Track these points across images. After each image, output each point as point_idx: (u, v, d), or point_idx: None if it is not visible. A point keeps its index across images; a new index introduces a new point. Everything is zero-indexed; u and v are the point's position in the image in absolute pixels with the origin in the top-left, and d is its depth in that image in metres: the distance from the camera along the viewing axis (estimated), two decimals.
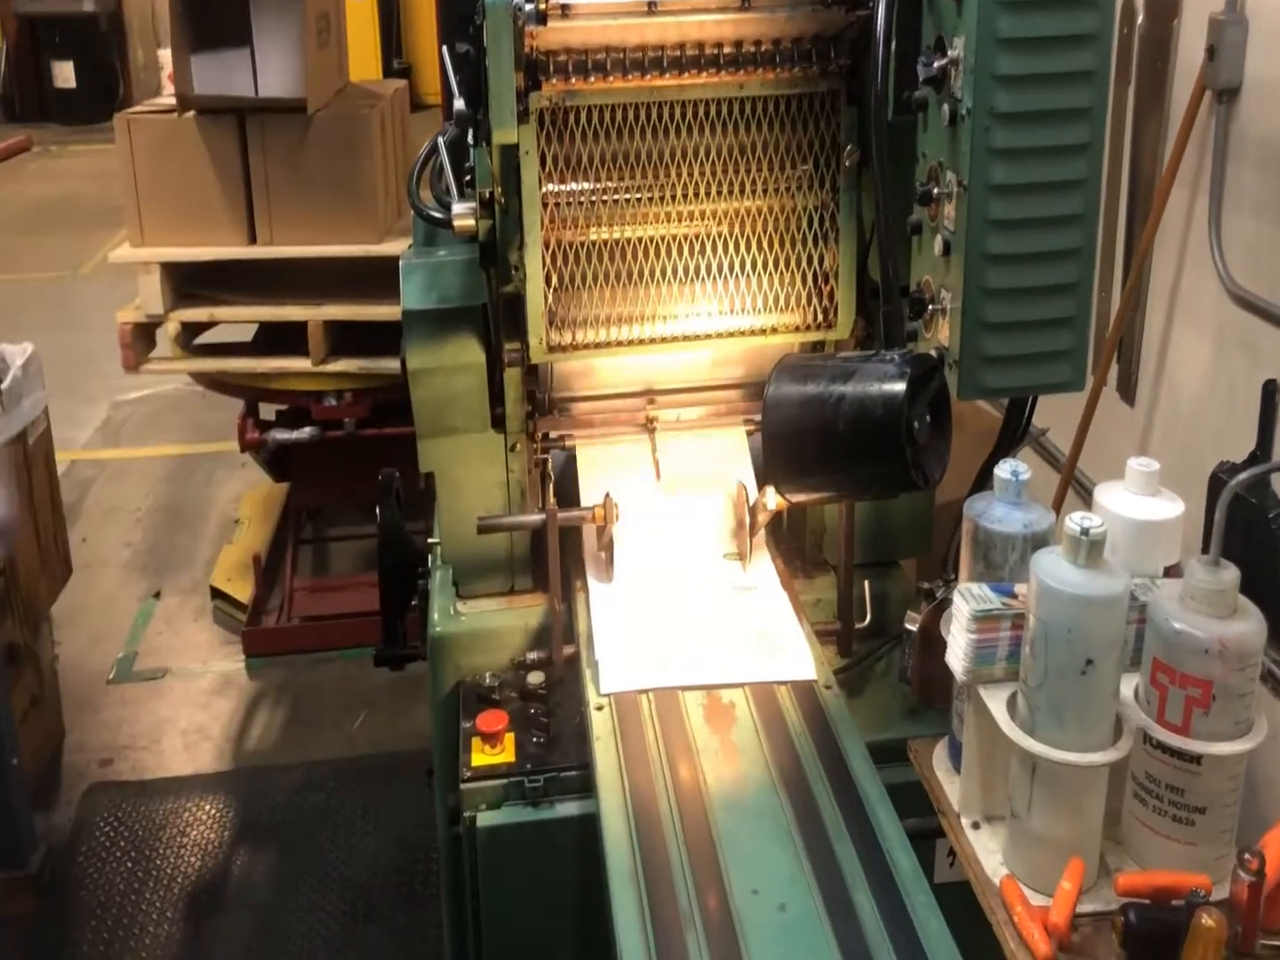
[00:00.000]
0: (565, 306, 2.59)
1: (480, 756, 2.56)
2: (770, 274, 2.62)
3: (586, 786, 2.40)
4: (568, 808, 2.49)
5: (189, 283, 5.08)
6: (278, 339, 5.11)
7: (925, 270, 2.25)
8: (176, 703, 5.13)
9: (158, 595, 5.81)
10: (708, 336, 2.67)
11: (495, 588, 2.89)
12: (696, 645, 2.47)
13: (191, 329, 5.12)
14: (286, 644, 5.36)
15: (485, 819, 2.49)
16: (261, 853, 4.36)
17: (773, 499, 2.60)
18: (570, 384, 2.87)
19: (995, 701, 1.97)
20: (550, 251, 2.54)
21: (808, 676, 2.40)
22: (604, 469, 2.90)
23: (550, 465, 2.90)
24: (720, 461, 2.91)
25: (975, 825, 2.08)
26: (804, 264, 2.61)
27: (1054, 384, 2.17)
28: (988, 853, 2.03)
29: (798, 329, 2.65)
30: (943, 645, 2.54)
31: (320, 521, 6.11)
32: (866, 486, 2.27)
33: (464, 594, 2.89)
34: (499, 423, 2.76)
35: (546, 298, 2.56)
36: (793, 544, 2.97)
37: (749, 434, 2.94)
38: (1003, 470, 2.07)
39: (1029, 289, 2.11)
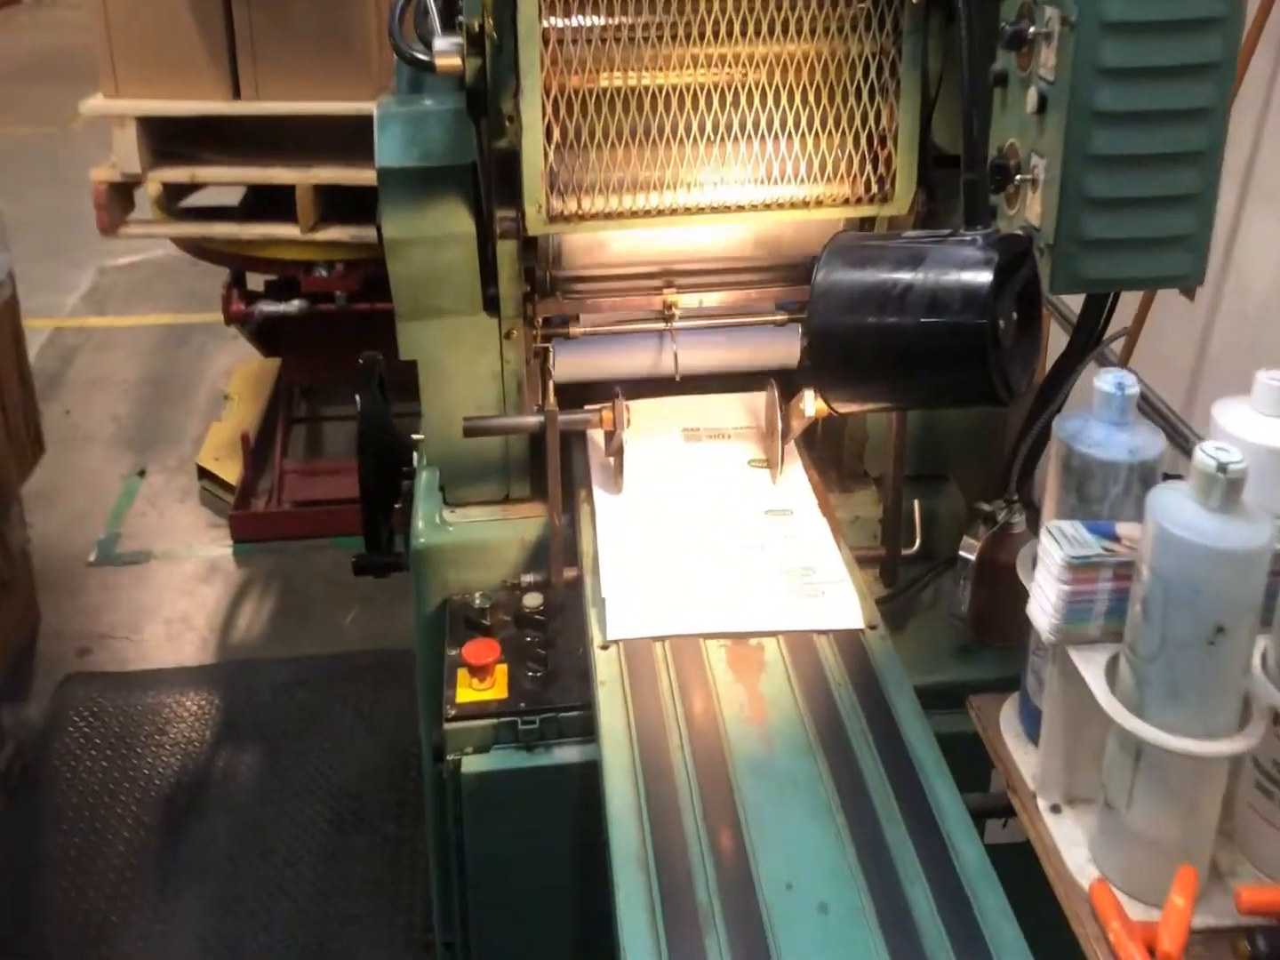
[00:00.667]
0: (569, 168, 2.13)
1: (467, 691, 2.18)
2: (815, 134, 2.15)
3: (589, 729, 2.02)
4: (567, 753, 2.12)
5: (169, 141, 4.60)
6: (265, 204, 4.67)
7: (1011, 132, 1.80)
8: (160, 589, 4.78)
9: (142, 473, 5.44)
10: (739, 208, 2.22)
11: (487, 495, 2.49)
12: (720, 584, 2.07)
13: (174, 191, 4.67)
14: (276, 530, 4.99)
15: (471, 764, 2.12)
16: (245, 754, 4.03)
17: (811, 404, 2.18)
18: (575, 261, 2.43)
19: (1091, 668, 1.57)
20: (552, 100, 2.07)
21: (852, 625, 2.00)
22: (613, 362, 2.48)
23: (551, 356, 2.47)
24: (749, 355, 2.49)
25: (1055, 809, 1.69)
26: (856, 122, 2.14)
27: (1168, 276, 1.74)
28: (1071, 844, 1.65)
29: (847, 201, 2.19)
30: (1003, 576, 2.15)
31: (315, 400, 5.71)
32: (935, 398, 1.84)
33: (452, 501, 2.49)
34: (492, 305, 2.33)
35: (547, 156, 2.11)
36: (827, 451, 2.54)
37: (782, 323, 2.51)
38: (1105, 382, 1.64)
39: (1145, 156, 1.66)
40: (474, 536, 2.43)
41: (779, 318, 2.52)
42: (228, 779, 3.92)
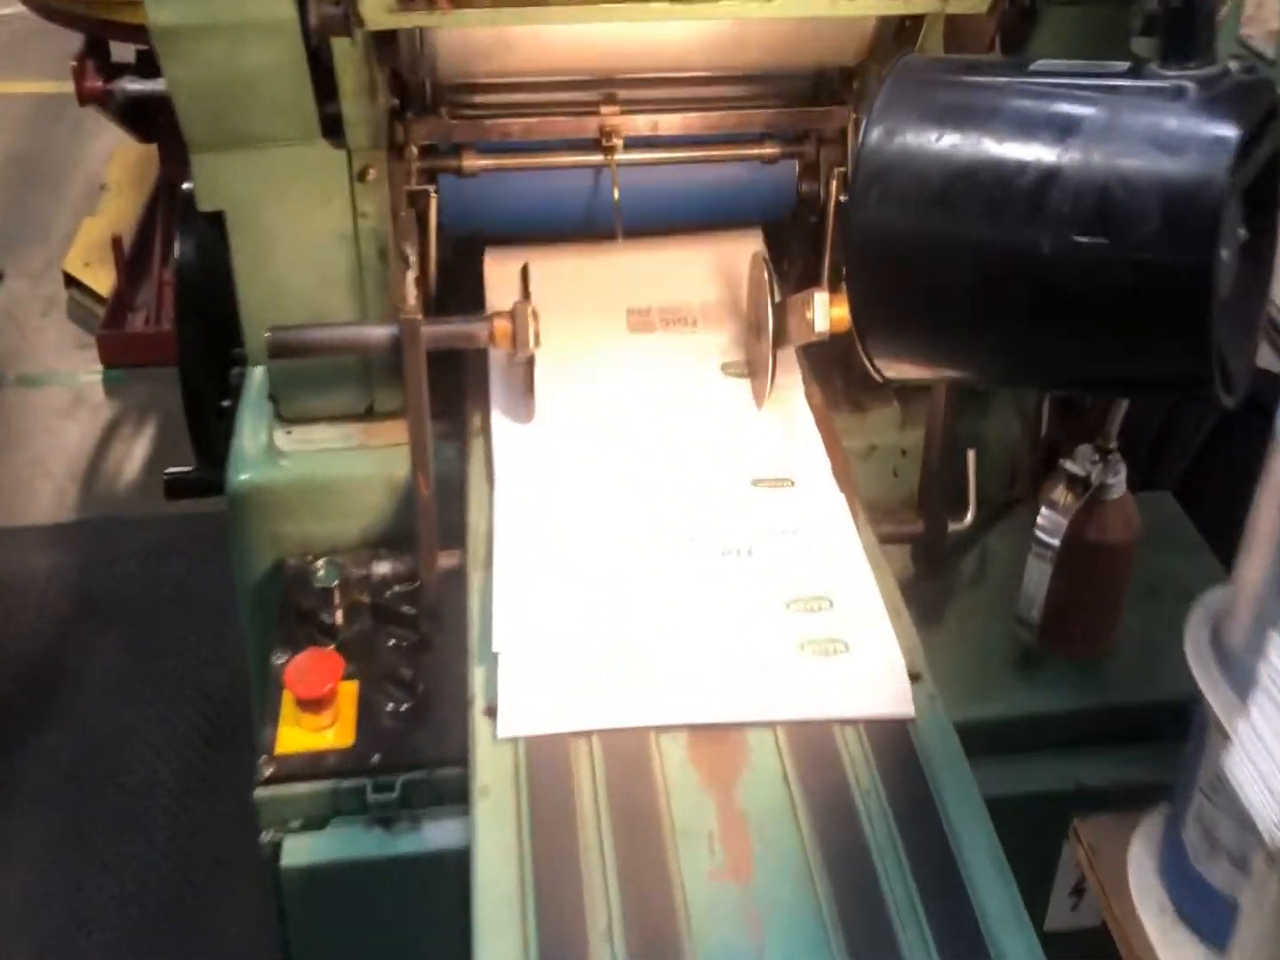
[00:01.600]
0: None
1: (294, 733, 1.44)
2: None
3: None
4: (443, 834, 1.38)
5: None
6: None
7: None
8: (11, 425, 3.97)
9: (0, 277, 4.53)
10: None
11: (339, 407, 1.70)
12: (681, 632, 1.27)
13: None
14: (154, 353, 4.10)
15: (296, 850, 1.39)
16: (101, 640, 3.29)
17: (823, 315, 1.38)
18: (467, 63, 1.58)
19: None
20: None
21: (897, 712, 1.22)
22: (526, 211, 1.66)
23: (437, 203, 1.64)
24: (724, 204, 1.68)
25: None
26: None
27: None
28: None
29: None
30: (1091, 562, 1.43)
31: None
32: (1076, 379, 0.99)
33: (288, 414, 1.69)
34: (334, 129, 1.49)
35: None
36: (831, 349, 1.73)
37: (772, 160, 1.69)
38: None
39: None
40: (318, 473, 1.65)
41: (769, 151, 1.70)
42: (78, 673, 3.19)
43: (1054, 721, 1.51)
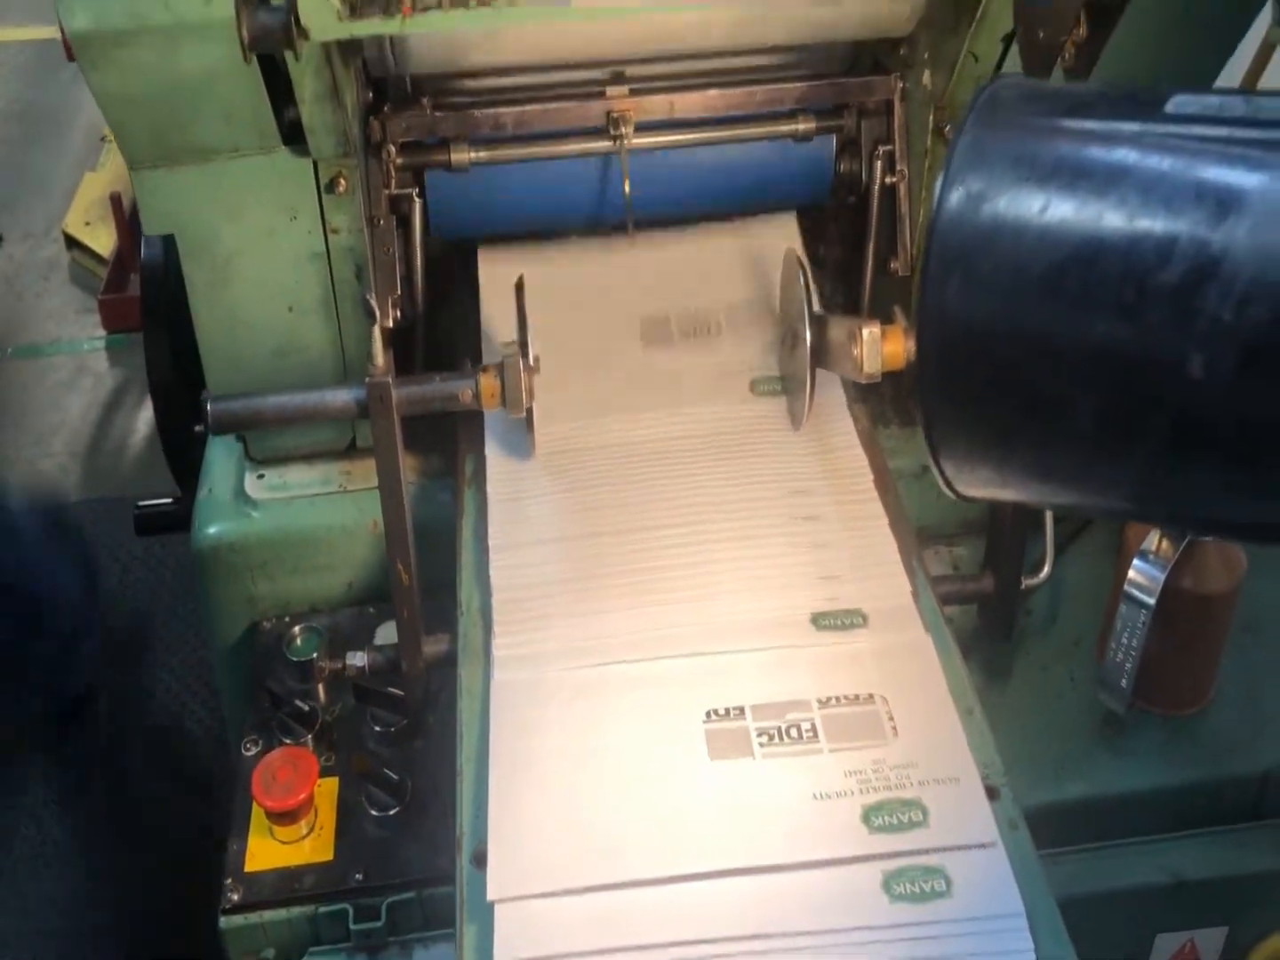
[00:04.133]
0: None
1: (265, 845, 1.23)
2: None
3: None
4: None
5: None
6: None
7: None
8: (11, 398, 3.75)
9: None
10: None
11: (315, 445, 1.47)
12: (725, 868, 0.97)
13: None
14: None
15: None
16: (102, 633, 3.09)
17: (875, 354, 1.15)
18: (448, 59, 1.34)
19: None
20: None
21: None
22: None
23: (419, 207, 1.40)
24: (751, 199, 1.45)
25: None
26: None
27: None
28: None
29: None
30: (1188, 615, 1.20)
31: None
32: (1234, 523, 0.73)
33: (259, 455, 1.47)
34: (296, 135, 1.25)
35: None
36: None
37: (805, 137, 1.45)
38: None
39: None
40: (294, 524, 1.43)
41: (802, 126, 1.48)
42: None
43: (1144, 801, 1.29)
